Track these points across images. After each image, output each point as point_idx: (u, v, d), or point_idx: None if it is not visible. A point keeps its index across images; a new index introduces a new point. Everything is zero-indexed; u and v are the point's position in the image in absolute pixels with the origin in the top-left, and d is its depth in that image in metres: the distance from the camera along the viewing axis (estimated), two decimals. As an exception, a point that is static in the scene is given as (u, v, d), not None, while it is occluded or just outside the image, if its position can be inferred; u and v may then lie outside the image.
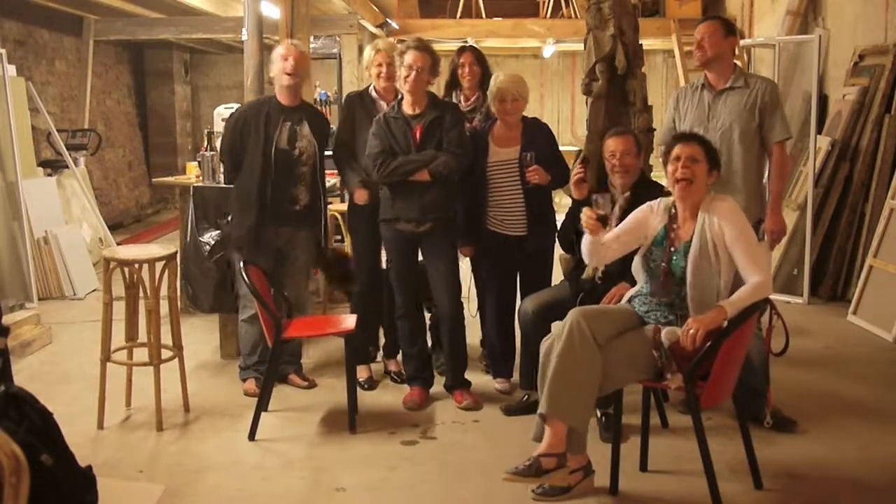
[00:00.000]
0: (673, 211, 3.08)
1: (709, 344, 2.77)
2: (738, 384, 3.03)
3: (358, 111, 4.12)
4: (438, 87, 4.45)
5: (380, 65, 4.06)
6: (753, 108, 3.60)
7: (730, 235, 2.93)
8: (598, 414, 3.54)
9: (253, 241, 3.92)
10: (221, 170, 4.74)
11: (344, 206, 4.94)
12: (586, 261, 3.21)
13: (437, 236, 3.85)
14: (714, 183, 3.09)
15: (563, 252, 4.08)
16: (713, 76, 3.70)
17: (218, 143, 5.00)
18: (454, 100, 4.28)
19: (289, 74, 3.92)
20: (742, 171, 3.61)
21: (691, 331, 2.79)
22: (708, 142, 3.11)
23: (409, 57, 3.75)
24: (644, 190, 3.50)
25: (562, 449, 2.86)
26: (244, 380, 4.12)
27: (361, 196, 4.02)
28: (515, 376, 4.06)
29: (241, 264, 3.64)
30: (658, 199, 3.17)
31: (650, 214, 3.12)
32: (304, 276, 4.22)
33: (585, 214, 3.00)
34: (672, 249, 3.03)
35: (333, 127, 4.70)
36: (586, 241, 3.10)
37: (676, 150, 3.03)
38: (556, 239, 3.91)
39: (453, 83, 4.35)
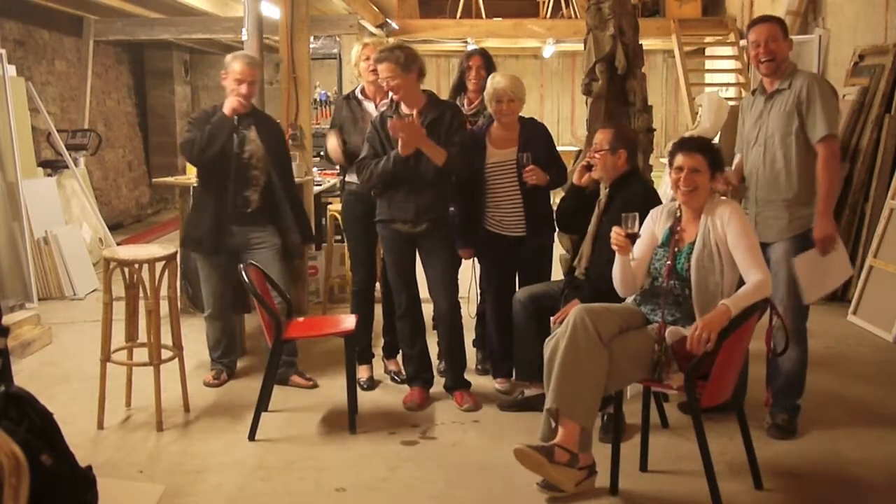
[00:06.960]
0: (678, 214, 3.11)
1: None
2: (744, 385, 3.02)
3: (344, 112, 4.14)
4: (439, 88, 4.44)
5: (367, 58, 4.06)
6: (793, 109, 3.38)
7: (731, 237, 2.96)
8: (599, 414, 3.54)
9: (211, 240, 4.04)
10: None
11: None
12: (620, 291, 3.15)
13: (434, 236, 3.85)
14: (733, 190, 3.10)
15: (563, 252, 4.08)
16: (769, 79, 3.49)
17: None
18: (459, 102, 4.24)
19: (241, 98, 3.94)
20: (794, 178, 3.41)
21: (703, 334, 2.76)
22: (709, 146, 3.10)
23: (379, 72, 3.72)
24: (624, 184, 3.51)
25: (575, 449, 2.87)
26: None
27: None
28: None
29: (242, 265, 3.64)
30: (660, 206, 3.22)
31: (652, 222, 3.16)
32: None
33: (615, 233, 2.99)
34: (676, 250, 3.06)
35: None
36: (616, 265, 3.09)
37: (678, 159, 3.06)
38: (556, 223, 3.89)
39: (460, 85, 4.34)
